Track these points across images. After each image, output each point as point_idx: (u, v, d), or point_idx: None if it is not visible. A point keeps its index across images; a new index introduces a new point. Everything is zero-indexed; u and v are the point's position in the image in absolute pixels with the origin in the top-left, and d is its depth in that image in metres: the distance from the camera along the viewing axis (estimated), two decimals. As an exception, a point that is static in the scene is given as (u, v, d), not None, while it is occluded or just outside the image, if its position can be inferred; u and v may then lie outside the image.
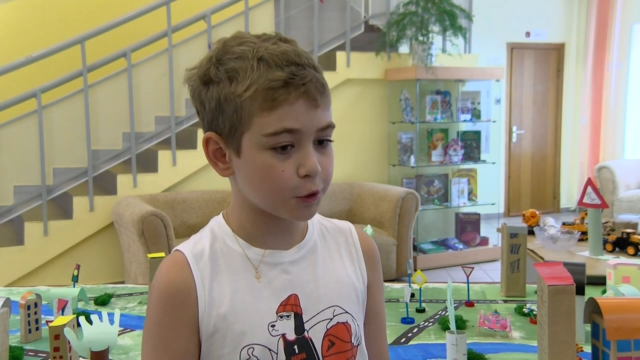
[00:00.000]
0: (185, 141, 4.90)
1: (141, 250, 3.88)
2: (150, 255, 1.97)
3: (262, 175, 0.82)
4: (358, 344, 0.92)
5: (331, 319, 0.89)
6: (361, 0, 5.56)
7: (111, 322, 1.35)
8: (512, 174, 7.54)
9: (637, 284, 1.77)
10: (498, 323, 1.74)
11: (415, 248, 5.14)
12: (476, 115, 5.57)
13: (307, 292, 0.88)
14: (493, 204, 5.71)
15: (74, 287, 1.96)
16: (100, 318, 1.35)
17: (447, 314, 1.76)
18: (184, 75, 0.88)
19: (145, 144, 4.79)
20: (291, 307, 0.87)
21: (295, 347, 0.86)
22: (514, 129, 7.50)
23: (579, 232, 2.69)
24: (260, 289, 0.86)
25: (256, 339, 0.84)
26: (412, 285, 2.00)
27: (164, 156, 4.72)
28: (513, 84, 7.44)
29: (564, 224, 2.96)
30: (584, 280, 1.64)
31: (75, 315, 1.49)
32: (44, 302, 1.82)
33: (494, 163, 5.63)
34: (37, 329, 1.76)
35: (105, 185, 4.76)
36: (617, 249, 2.59)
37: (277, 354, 0.85)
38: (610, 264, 1.87)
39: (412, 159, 5.26)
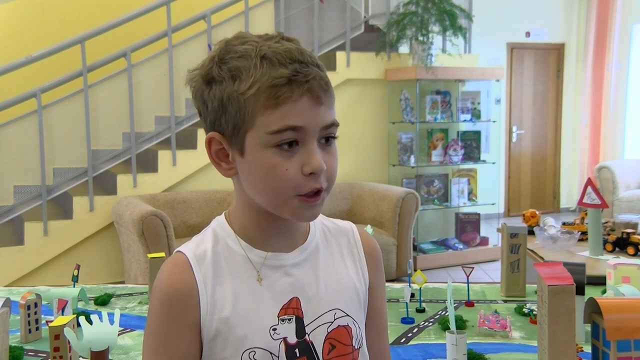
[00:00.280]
0: (185, 141, 4.90)
1: (141, 250, 3.88)
2: (150, 256, 1.97)
3: (266, 174, 0.81)
4: (359, 347, 0.92)
5: (332, 322, 0.89)
6: (361, 0, 5.56)
7: (111, 322, 1.35)
8: (512, 174, 7.54)
9: (637, 284, 1.77)
10: (498, 323, 1.74)
11: (415, 248, 5.14)
12: (476, 115, 5.57)
13: (308, 295, 0.88)
14: (493, 204, 5.71)
15: (74, 287, 1.96)
16: (100, 318, 1.35)
17: (447, 314, 1.76)
18: (186, 76, 0.88)
19: (145, 144, 4.79)
20: (292, 310, 0.87)
21: (297, 350, 0.86)
22: (514, 129, 7.50)
23: (579, 232, 2.69)
24: (262, 292, 0.86)
25: (258, 342, 0.84)
26: (412, 285, 2.00)
27: (164, 156, 4.72)
28: (513, 84, 7.44)
29: (564, 224, 2.96)
30: (584, 280, 1.64)
31: (75, 315, 1.49)
32: (44, 302, 1.82)
33: (494, 163, 5.63)
34: (37, 329, 1.76)
35: (105, 185, 4.76)
36: (617, 249, 2.59)
37: (278, 357, 0.84)
38: (610, 264, 1.87)
39: (412, 159, 5.26)
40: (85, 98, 4.47)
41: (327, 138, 0.84)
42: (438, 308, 1.99)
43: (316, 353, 0.87)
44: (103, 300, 2.06)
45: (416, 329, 1.80)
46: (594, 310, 1.25)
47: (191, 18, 4.80)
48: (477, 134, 5.60)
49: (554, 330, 1.24)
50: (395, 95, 5.42)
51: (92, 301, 2.07)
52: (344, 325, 0.90)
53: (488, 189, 5.83)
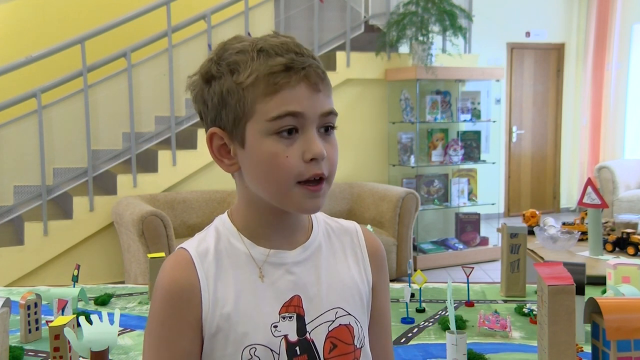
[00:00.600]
0: (185, 141, 4.91)
1: (141, 250, 3.88)
2: (150, 255, 1.97)
3: (267, 163, 0.82)
4: (361, 347, 0.91)
5: (333, 321, 0.89)
6: (361, 0, 5.56)
7: (111, 322, 1.35)
8: (512, 174, 7.54)
9: (637, 284, 1.77)
10: (498, 323, 1.74)
11: (415, 248, 5.14)
12: (476, 115, 5.57)
13: (310, 293, 0.88)
14: (493, 204, 5.71)
15: (74, 287, 1.96)
16: (100, 318, 1.35)
17: (447, 314, 1.76)
18: (187, 82, 0.89)
19: (145, 144, 4.79)
20: (294, 308, 0.87)
21: (297, 348, 0.86)
22: (514, 129, 7.50)
23: (579, 232, 2.69)
24: (263, 290, 0.86)
25: (259, 339, 0.84)
26: (412, 285, 2.00)
27: (164, 156, 4.72)
28: (513, 84, 7.44)
29: (564, 224, 2.96)
30: (584, 280, 1.64)
31: (75, 315, 1.49)
32: (44, 302, 1.82)
33: (494, 163, 5.63)
34: (37, 329, 1.76)
35: (105, 185, 4.76)
36: (617, 249, 2.59)
37: (279, 355, 0.84)
38: (610, 264, 1.87)
39: (412, 159, 5.26)
40: (85, 98, 4.47)
41: (326, 128, 0.84)
42: (438, 308, 1.99)
43: (317, 351, 0.87)
44: (103, 300, 2.05)
45: (416, 329, 1.80)
46: (594, 310, 1.25)
47: (191, 18, 4.80)
48: (477, 134, 5.60)
49: (554, 330, 1.24)
50: (395, 95, 5.42)
51: (92, 301, 2.07)
52: (345, 325, 0.89)
53: (488, 189, 5.83)
